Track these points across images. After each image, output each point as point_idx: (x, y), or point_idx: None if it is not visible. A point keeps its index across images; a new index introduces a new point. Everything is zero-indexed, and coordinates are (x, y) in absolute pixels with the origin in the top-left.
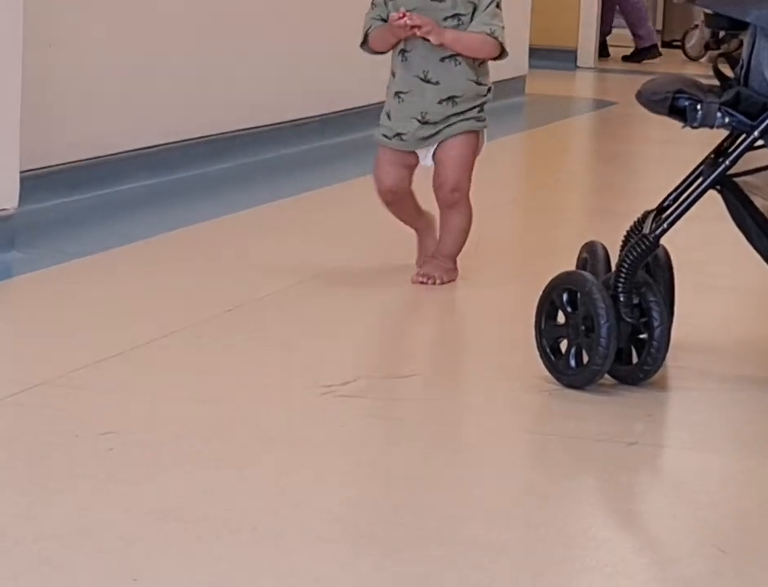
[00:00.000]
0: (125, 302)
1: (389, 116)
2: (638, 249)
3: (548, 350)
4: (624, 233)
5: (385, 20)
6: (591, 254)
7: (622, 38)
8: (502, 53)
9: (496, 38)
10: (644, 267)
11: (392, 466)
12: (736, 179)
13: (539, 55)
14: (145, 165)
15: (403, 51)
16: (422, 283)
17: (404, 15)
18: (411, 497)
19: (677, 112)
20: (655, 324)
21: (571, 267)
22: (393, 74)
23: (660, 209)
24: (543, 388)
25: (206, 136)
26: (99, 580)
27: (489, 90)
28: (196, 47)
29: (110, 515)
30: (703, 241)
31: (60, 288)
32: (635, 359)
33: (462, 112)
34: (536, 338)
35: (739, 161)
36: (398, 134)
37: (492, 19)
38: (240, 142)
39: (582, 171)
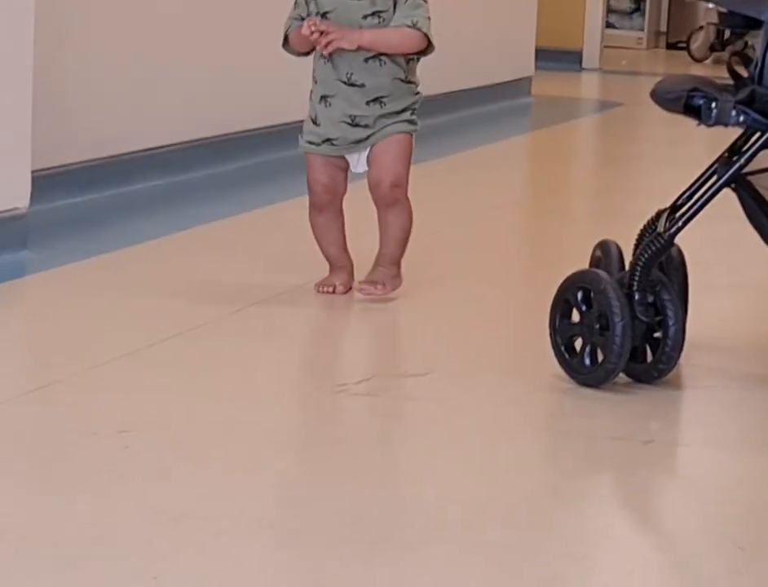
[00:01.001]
0: (138, 300)
1: (315, 122)
2: (653, 248)
3: (562, 348)
4: (638, 232)
5: (304, 20)
6: (605, 253)
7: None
8: (429, 46)
9: (419, 30)
10: (658, 265)
11: (406, 465)
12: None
13: (544, 56)
14: (156, 164)
15: (325, 55)
16: (369, 293)
17: (312, 28)
18: (425, 497)
19: (691, 110)
20: (670, 322)
21: (583, 266)
22: (315, 79)
23: (674, 207)
24: (557, 387)
25: (218, 136)
26: (120, 579)
27: (418, 87)
28: (208, 49)
29: (128, 514)
30: (714, 240)
31: (73, 287)
32: (650, 358)
33: (393, 113)
34: (551, 337)
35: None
36: (328, 140)
37: (414, 10)
38: (251, 142)
39: (589, 172)
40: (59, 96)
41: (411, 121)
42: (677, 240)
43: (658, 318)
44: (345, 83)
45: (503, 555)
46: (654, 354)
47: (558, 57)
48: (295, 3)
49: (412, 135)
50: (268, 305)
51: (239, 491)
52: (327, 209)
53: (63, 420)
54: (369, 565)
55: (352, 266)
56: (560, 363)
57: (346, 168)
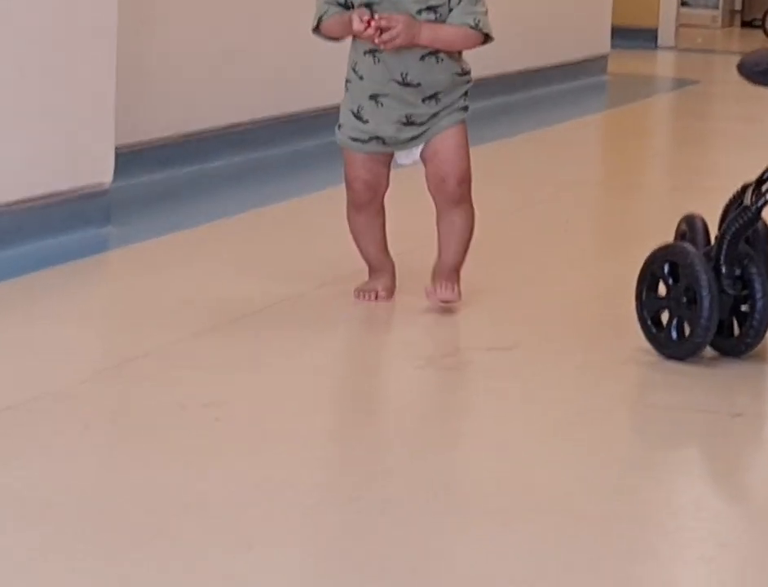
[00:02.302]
0: (218, 275)
1: (360, 118)
2: (740, 221)
3: (649, 322)
4: (723, 207)
5: (342, 5)
6: (690, 227)
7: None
8: (486, 40)
9: (480, 31)
10: (744, 239)
11: (495, 436)
12: None
13: (620, 34)
14: (235, 142)
15: (373, 51)
16: (446, 300)
17: (369, 24)
18: (514, 470)
19: None
20: (758, 296)
21: (668, 241)
22: (358, 73)
23: (760, 181)
24: (644, 360)
25: (296, 113)
26: (215, 549)
27: (469, 72)
28: (284, 27)
29: (220, 484)
30: None
31: (156, 262)
32: (736, 332)
33: (448, 106)
34: (637, 310)
35: None
36: (377, 138)
37: (474, 7)
38: (330, 119)
39: (667, 150)
40: (141, 74)
41: (464, 108)
42: (764, 214)
43: (745, 292)
44: (400, 83)
45: (597, 528)
46: (741, 327)
47: (633, 35)
48: None
49: (465, 122)
50: (351, 281)
51: (328, 462)
52: (367, 208)
53: (150, 393)
54: (463, 534)
55: (394, 268)
56: (647, 336)
57: (389, 162)
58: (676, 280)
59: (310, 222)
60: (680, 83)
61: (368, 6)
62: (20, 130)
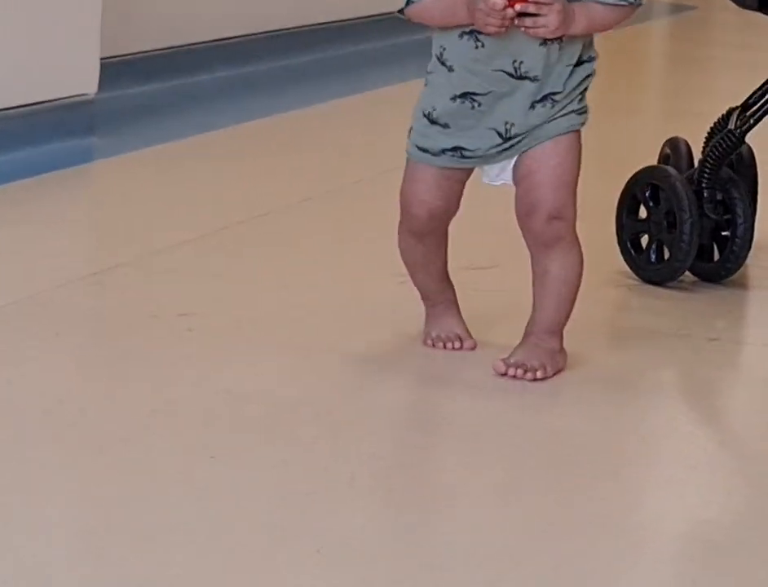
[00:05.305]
0: (202, 188)
1: (438, 122)
2: (723, 145)
3: (628, 244)
4: (708, 130)
5: None
6: (673, 150)
7: None
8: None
9: (638, 5)
10: (728, 163)
11: (469, 356)
12: None
13: None
14: (224, 55)
15: (475, 32)
16: (513, 376)
17: (511, 5)
18: (488, 385)
19: (765, 5)
20: (739, 221)
21: (651, 163)
22: (446, 63)
23: (745, 106)
24: (622, 283)
25: (288, 28)
26: (177, 457)
27: (596, 59)
28: None
29: (189, 393)
30: None
31: (138, 174)
32: (717, 257)
33: (559, 110)
34: (617, 233)
35: None
36: (457, 148)
37: None
38: (321, 36)
39: (660, 73)
40: None
41: (580, 110)
42: (748, 138)
43: (726, 216)
44: (512, 76)
45: (566, 447)
46: (721, 252)
47: None
48: None
49: (580, 132)
50: (335, 196)
51: (301, 375)
52: (430, 237)
53: (124, 302)
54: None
55: (455, 296)
56: (626, 259)
57: (465, 181)
58: (657, 203)
59: (302, 137)
60: (677, 8)
61: None
62: (4, 40)
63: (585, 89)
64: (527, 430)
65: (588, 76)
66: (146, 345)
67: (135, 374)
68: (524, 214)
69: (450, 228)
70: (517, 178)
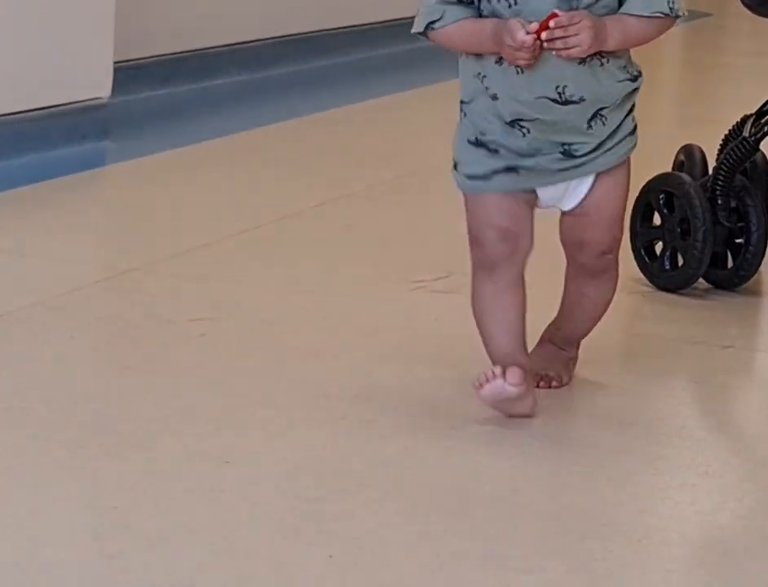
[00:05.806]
0: (215, 194)
1: (485, 145)
2: (738, 152)
3: (642, 252)
4: (722, 137)
5: (462, 1)
6: (688, 157)
7: None
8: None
9: (676, 15)
10: (742, 171)
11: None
12: None
13: None
14: (238, 60)
15: None
16: (536, 387)
17: (538, 37)
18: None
19: None
20: (753, 228)
21: (666, 170)
22: (489, 91)
23: (760, 113)
24: (636, 290)
25: (303, 33)
26: (193, 461)
27: (641, 75)
28: None
29: (203, 398)
30: None
31: (152, 178)
32: (730, 264)
33: (615, 131)
34: (631, 240)
35: None
36: (506, 169)
37: None
38: (336, 41)
39: (675, 80)
40: None
41: (632, 132)
42: (762, 146)
43: (740, 224)
44: (556, 102)
45: (580, 452)
46: (735, 260)
47: None
48: None
49: (630, 157)
50: (347, 202)
51: (314, 379)
52: (501, 269)
53: (138, 307)
54: (455, 448)
55: (528, 366)
56: (640, 266)
57: (533, 204)
58: (671, 211)
59: (315, 142)
60: (692, 15)
61: None
62: (18, 42)
63: (633, 106)
64: (538, 438)
65: (635, 91)
66: (159, 349)
67: (149, 378)
68: (574, 246)
69: None
70: (570, 210)
